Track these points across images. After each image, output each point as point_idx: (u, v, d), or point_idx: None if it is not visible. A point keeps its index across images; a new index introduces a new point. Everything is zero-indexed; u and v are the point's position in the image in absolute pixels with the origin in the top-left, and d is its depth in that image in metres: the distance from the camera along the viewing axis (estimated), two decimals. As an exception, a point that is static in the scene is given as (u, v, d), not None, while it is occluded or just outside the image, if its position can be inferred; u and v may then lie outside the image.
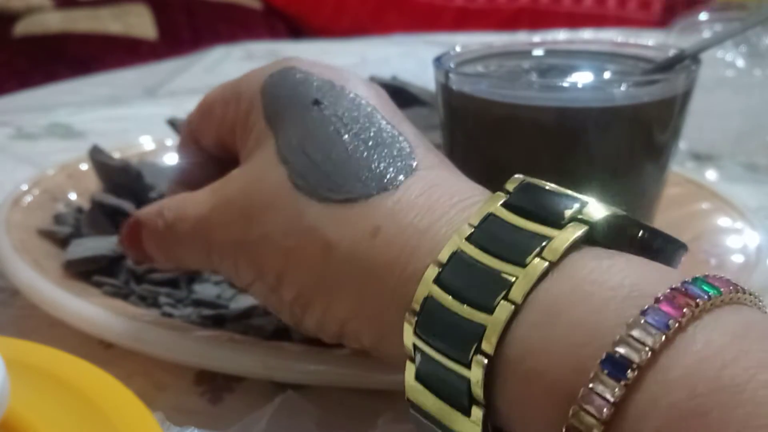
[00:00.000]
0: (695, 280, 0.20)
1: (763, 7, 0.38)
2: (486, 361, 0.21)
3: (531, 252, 0.22)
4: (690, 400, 0.18)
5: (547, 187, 0.24)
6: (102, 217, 0.42)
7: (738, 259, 0.40)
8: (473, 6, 1.65)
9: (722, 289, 0.20)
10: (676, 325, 0.19)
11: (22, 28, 1.49)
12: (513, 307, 0.21)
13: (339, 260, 0.26)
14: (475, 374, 0.21)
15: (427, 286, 0.23)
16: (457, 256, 0.23)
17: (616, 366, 0.19)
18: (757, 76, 0.64)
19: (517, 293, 0.21)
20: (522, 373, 0.21)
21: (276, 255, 0.28)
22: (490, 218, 0.23)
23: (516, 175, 0.24)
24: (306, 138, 0.28)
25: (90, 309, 0.34)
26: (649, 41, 0.42)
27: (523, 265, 0.22)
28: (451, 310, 0.22)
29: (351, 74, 0.31)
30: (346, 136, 0.28)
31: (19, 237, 0.40)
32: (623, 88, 0.34)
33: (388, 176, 0.27)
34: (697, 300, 0.19)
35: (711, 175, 0.59)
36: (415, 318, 0.23)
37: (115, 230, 0.42)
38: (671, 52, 0.37)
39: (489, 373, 0.21)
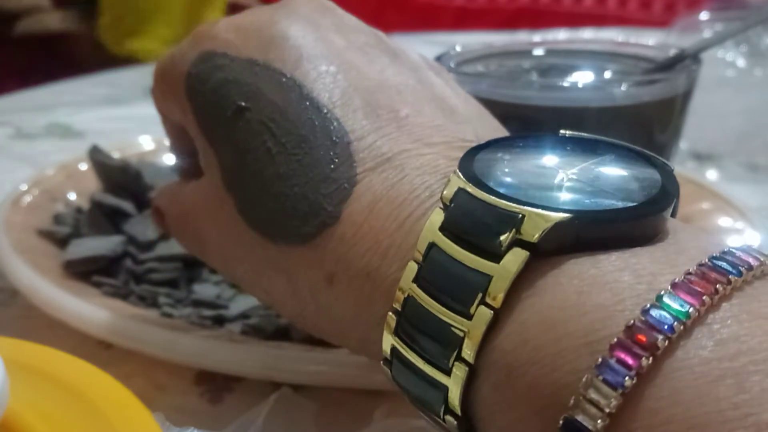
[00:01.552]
0: (659, 299, 0.17)
1: (763, 7, 0.38)
2: (454, 421, 0.20)
3: (474, 299, 0.19)
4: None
5: (479, 197, 0.20)
6: (101, 217, 0.42)
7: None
8: (473, 5, 1.65)
9: (691, 307, 0.17)
10: (632, 381, 0.17)
11: (22, 28, 1.49)
12: (467, 368, 0.19)
13: (308, 305, 0.25)
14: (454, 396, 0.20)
15: (389, 339, 0.22)
16: (410, 303, 0.21)
17: (571, 430, 0.17)
18: (757, 76, 0.64)
19: (468, 353, 0.19)
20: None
21: (258, 292, 0.28)
22: (432, 250, 0.21)
23: (451, 176, 0.21)
24: (240, 161, 0.26)
25: (89, 309, 0.34)
26: (650, 41, 0.42)
27: (469, 317, 0.19)
28: (416, 364, 0.21)
29: (276, 21, 0.27)
30: (276, 150, 0.25)
31: (18, 237, 0.40)
32: (624, 87, 0.34)
33: (326, 207, 0.24)
34: (657, 342, 0.17)
35: (712, 174, 0.59)
36: (388, 369, 0.22)
37: (114, 230, 0.42)
38: (672, 52, 0.37)
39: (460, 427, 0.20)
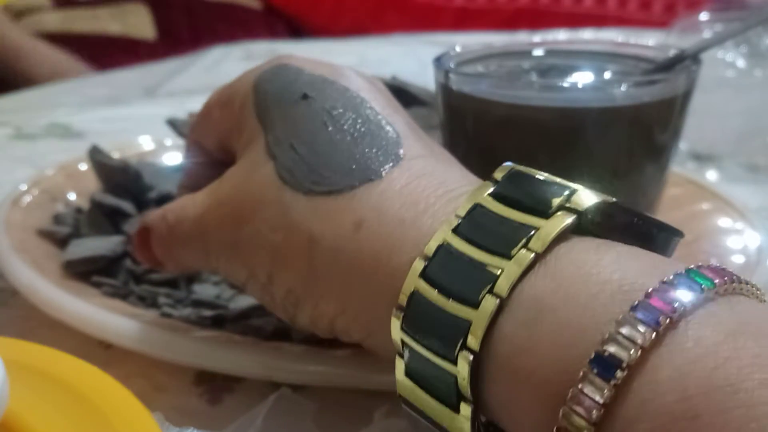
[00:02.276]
0: (688, 271, 0.20)
1: (763, 7, 0.38)
2: (472, 357, 0.21)
3: (517, 243, 0.21)
4: (680, 402, 0.17)
5: (535, 176, 0.23)
6: (101, 217, 0.42)
7: (738, 259, 0.39)
8: (473, 6, 1.65)
9: (716, 281, 0.19)
10: (667, 321, 0.18)
11: (22, 28, 1.49)
12: (498, 301, 0.21)
13: (323, 255, 0.26)
14: (462, 370, 0.21)
15: (413, 281, 0.23)
16: (443, 249, 0.22)
17: (605, 366, 0.18)
18: (757, 77, 0.64)
19: (502, 287, 0.21)
20: (510, 371, 0.21)
21: (265, 252, 0.27)
22: (476, 209, 0.23)
23: (505, 164, 0.24)
24: (293, 132, 0.28)
25: (89, 309, 0.34)
26: (650, 41, 0.42)
27: (509, 257, 0.21)
28: (437, 304, 0.22)
29: (345, 69, 0.31)
30: (332, 128, 0.28)
31: (18, 237, 0.40)
32: (623, 88, 0.34)
33: (372, 167, 0.26)
34: (689, 293, 0.19)
35: (711, 175, 0.59)
36: (402, 313, 0.23)
37: (114, 230, 0.42)
38: (671, 53, 0.37)
39: (476, 369, 0.21)
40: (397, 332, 0.23)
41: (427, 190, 0.25)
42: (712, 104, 0.53)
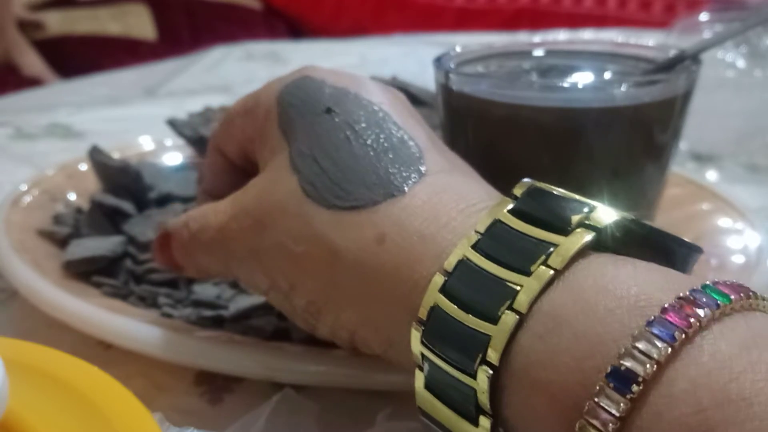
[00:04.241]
0: (704, 287, 0.20)
1: (763, 7, 0.38)
2: (491, 371, 0.21)
3: (536, 260, 0.22)
4: (695, 415, 0.18)
5: (554, 192, 0.24)
6: (101, 217, 0.42)
7: (739, 259, 0.39)
8: (473, 6, 1.65)
9: (732, 297, 0.19)
10: (683, 336, 0.19)
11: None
12: (518, 317, 0.21)
13: (346, 268, 0.26)
14: (481, 384, 0.21)
15: (433, 295, 0.23)
16: (462, 264, 0.23)
17: (621, 380, 0.19)
18: (757, 77, 0.64)
19: (521, 303, 0.21)
20: (527, 384, 0.21)
21: (287, 262, 0.28)
22: (496, 225, 0.23)
23: (524, 180, 0.24)
24: (316, 146, 0.28)
25: (89, 309, 0.34)
26: (650, 42, 0.42)
27: (528, 274, 0.22)
28: (457, 319, 0.22)
29: (367, 81, 0.31)
30: (355, 142, 0.28)
31: (18, 237, 0.40)
32: (624, 88, 0.34)
33: (394, 182, 0.27)
34: (705, 309, 0.19)
35: (711, 175, 0.59)
36: (422, 327, 0.23)
37: (114, 231, 0.42)
38: (672, 53, 0.37)
39: (495, 383, 0.21)
40: (417, 345, 0.23)
41: (448, 205, 0.26)
42: (712, 104, 0.53)
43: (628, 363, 0.19)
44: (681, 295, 0.19)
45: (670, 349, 0.18)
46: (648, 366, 0.18)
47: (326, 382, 0.32)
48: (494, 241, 0.23)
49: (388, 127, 0.29)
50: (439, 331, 0.23)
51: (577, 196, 0.23)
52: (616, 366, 0.19)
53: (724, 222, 0.43)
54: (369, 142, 0.28)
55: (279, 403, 0.31)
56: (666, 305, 0.19)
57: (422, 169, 0.27)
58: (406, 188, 0.26)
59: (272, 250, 0.28)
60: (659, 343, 0.19)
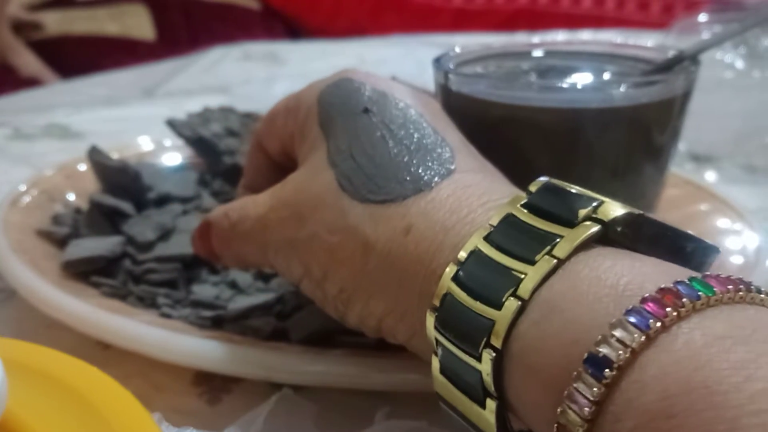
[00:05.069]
0: (691, 279, 0.20)
1: (761, 8, 0.38)
2: (494, 354, 0.22)
3: (541, 250, 0.23)
4: (661, 401, 0.18)
5: (567, 188, 0.24)
6: (100, 217, 0.42)
7: (737, 260, 0.40)
8: (471, 7, 1.65)
9: (717, 289, 0.20)
10: (658, 324, 0.19)
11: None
12: (519, 303, 0.22)
13: (376, 258, 0.27)
14: (485, 367, 0.22)
15: (446, 283, 0.24)
16: (474, 254, 0.24)
17: (597, 365, 0.19)
18: (755, 78, 0.65)
19: (524, 289, 0.22)
20: (523, 368, 0.22)
21: (321, 252, 0.29)
22: (508, 218, 0.24)
23: (540, 178, 0.25)
24: (354, 143, 0.30)
25: (88, 310, 0.34)
26: (648, 42, 0.42)
27: (533, 263, 0.23)
28: (466, 305, 0.23)
29: (402, 85, 0.33)
30: (391, 141, 0.30)
31: (17, 237, 0.40)
32: (622, 89, 0.34)
33: (424, 178, 0.28)
34: (683, 300, 0.19)
35: (710, 176, 0.59)
36: (436, 313, 0.24)
37: (113, 231, 0.42)
38: (670, 53, 0.37)
39: (498, 366, 0.22)
40: (431, 331, 0.25)
41: (470, 199, 0.27)
42: (710, 105, 0.53)
43: (604, 350, 0.19)
44: (663, 286, 0.20)
45: (644, 337, 0.19)
46: (621, 353, 0.19)
47: (325, 383, 0.32)
48: (505, 233, 0.24)
49: (422, 128, 0.30)
50: (450, 317, 0.24)
51: (590, 193, 0.24)
52: (593, 352, 0.19)
53: (722, 223, 0.44)
54: (403, 141, 0.30)
55: (277, 403, 0.31)
56: (646, 295, 0.20)
57: (452, 167, 0.29)
58: (434, 184, 0.28)
59: (308, 239, 0.29)
60: (634, 331, 0.19)
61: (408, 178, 0.28)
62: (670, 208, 0.42)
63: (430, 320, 0.24)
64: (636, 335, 0.19)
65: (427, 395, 0.26)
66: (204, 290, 0.38)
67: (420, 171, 0.28)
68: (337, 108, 0.32)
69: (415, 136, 0.30)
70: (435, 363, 0.25)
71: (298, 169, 0.32)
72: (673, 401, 0.18)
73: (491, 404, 0.23)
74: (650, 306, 0.19)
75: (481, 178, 0.28)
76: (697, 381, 0.18)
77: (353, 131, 0.30)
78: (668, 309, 0.19)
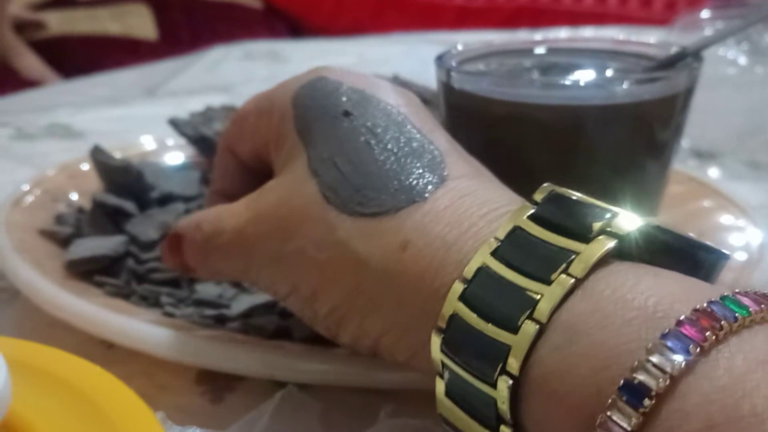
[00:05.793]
0: (723, 298, 0.19)
1: (764, 4, 0.38)
2: (511, 381, 0.21)
3: (557, 268, 0.21)
4: (706, 431, 0.17)
5: (575, 198, 0.23)
6: (103, 217, 0.42)
7: (740, 256, 0.39)
8: (473, 4, 1.65)
9: (751, 309, 0.19)
10: (698, 350, 0.18)
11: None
12: (537, 326, 0.21)
13: (370, 275, 0.26)
14: (501, 394, 0.21)
15: (453, 303, 0.23)
16: (482, 271, 0.23)
17: (633, 393, 0.18)
18: (759, 74, 0.64)
19: (542, 312, 0.21)
20: (545, 394, 0.21)
21: (310, 269, 0.27)
22: (516, 232, 0.23)
23: (544, 185, 0.24)
24: (336, 150, 0.28)
25: (91, 309, 0.34)
26: (651, 39, 0.42)
27: (549, 282, 0.21)
28: (477, 328, 0.22)
29: (382, 82, 0.31)
30: (376, 147, 0.28)
31: (20, 237, 0.40)
32: (625, 85, 0.34)
33: (417, 188, 0.26)
34: (722, 322, 0.19)
35: (713, 172, 0.59)
36: (442, 335, 0.23)
37: (116, 230, 0.42)
38: (673, 50, 0.37)
39: (515, 392, 0.21)
40: (437, 352, 0.23)
41: (470, 211, 0.25)
42: (713, 102, 0.52)
43: (641, 376, 0.18)
44: (698, 307, 0.19)
45: (684, 364, 0.18)
46: (661, 380, 0.18)
47: (328, 381, 0.32)
48: (514, 248, 0.23)
49: (408, 131, 0.28)
50: (458, 339, 0.22)
51: (599, 202, 0.23)
52: (628, 379, 0.19)
53: (725, 219, 0.43)
54: (389, 146, 0.28)
55: (282, 401, 0.31)
56: (682, 317, 0.19)
57: (444, 173, 0.27)
58: (427, 194, 0.26)
59: (294, 256, 0.28)
60: (673, 357, 0.18)
61: (399, 188, 0.26)
62: (673, 205, 0.42)
63: (436, 342, 0.23)
64: (675, 361, 0.18)
65: (431, 393, 0.26)
66: (207, 289, 0.38)
67: (411, 180, 0.27)
68: (314, 112, 0.29)
69: (402, 139, 0.28)
70: (440, 386, 0.23)
71: (277, 178, 0.30)
72: (719, 430, 0.17)
73: (506, 431, 0.22)
74: (687, 329, 0.19)
75: (476, 185, 0.27)
76: (745, 409, 0.17)
77: (334, 138, 0.28)
78: (707, 333, 0.18)
